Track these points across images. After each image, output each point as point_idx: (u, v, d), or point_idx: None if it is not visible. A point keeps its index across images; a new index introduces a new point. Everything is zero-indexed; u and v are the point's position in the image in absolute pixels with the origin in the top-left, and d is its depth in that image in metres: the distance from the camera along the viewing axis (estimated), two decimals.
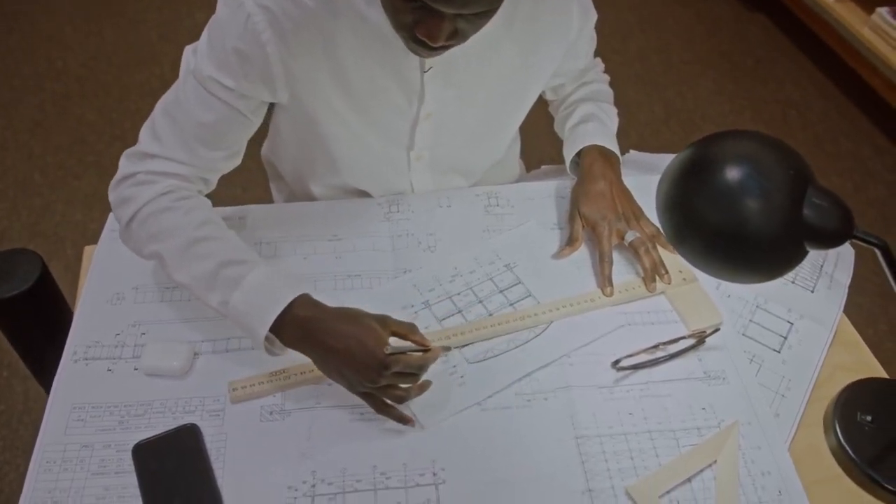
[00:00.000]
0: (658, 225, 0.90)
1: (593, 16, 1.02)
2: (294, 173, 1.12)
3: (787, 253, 0.67)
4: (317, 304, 0.81)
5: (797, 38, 2.73)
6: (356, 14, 0.84)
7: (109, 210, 0.91)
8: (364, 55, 0.88)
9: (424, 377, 0.81)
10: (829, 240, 0.67)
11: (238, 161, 0.95)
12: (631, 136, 2.35)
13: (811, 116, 2.46)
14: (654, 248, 0.97)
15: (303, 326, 0.78)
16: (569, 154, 1.08)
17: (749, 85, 2.56)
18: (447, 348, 0.87)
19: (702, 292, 0.96)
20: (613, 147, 1.06)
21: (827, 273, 1.02)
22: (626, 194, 1.01)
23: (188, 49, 0.89)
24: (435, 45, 0.75)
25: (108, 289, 0.94)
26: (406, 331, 0.80)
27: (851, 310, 0.98)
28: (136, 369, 0.86)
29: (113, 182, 0.89)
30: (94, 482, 0.76)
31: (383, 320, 0.80)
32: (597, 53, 1.15)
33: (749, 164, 0.67)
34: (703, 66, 2.63)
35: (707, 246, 0.68)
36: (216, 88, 0.85)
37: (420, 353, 0.79)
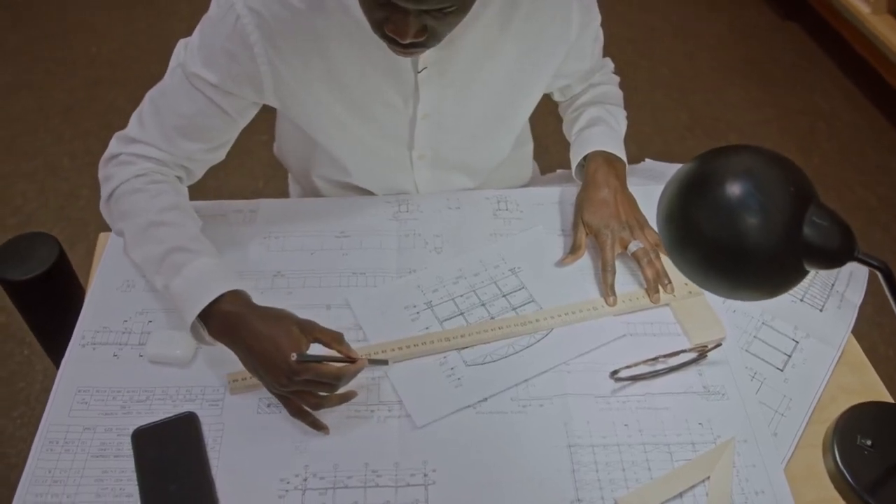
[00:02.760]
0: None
1: (596, 16, 1.01)
2: (300, 170, 1.13)
3: (785, 271, 0.67)
4: (245, 302, 0.82)
5: (829, 49, 2.68)
6: (346, 14, 0.85)
7: None
8: (356, 55, 0.88)
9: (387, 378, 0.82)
10: (829, 260, 0.66)
11: (222, 155, 0.98)
12: (655, 142, 2.33)
13: (839, 127, 2.41)
14: (658, 258, 0.96)
15: (226, 320, 0.80)
16: (574, 159, 1.07)
17: (778, 94, 2.52)
18: (383, 361, 0.86)
19: (707, 306, 0.95)
20: (619, 152, 1.05)
21: (838, 292, 1.00)
22: (630, 202, 1.01)
23: (181, 43, 0.92)
24: (403, 42, 0.75)
25: (119, 276, 0.96)
26: (329, 339, 0.80)
27: (873, 329, 0.96)
28: (141, 356, 0.88)
29: (101, 160, 0.94)
30: (93, 464, 0.79)
31: (307, 326, 0.80)
32: (611, 54, 1.14)
33: (749, 180, 0.66)
34: (731, 73, 2.59)
35: (704, 260, 0.68)
36: (201, 84, 0.88)
37: (339, 364, 0.78)
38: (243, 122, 0.96)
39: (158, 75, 0.96)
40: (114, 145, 0.93)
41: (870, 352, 0.94)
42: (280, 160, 1.23)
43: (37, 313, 1.11)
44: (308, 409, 0.81)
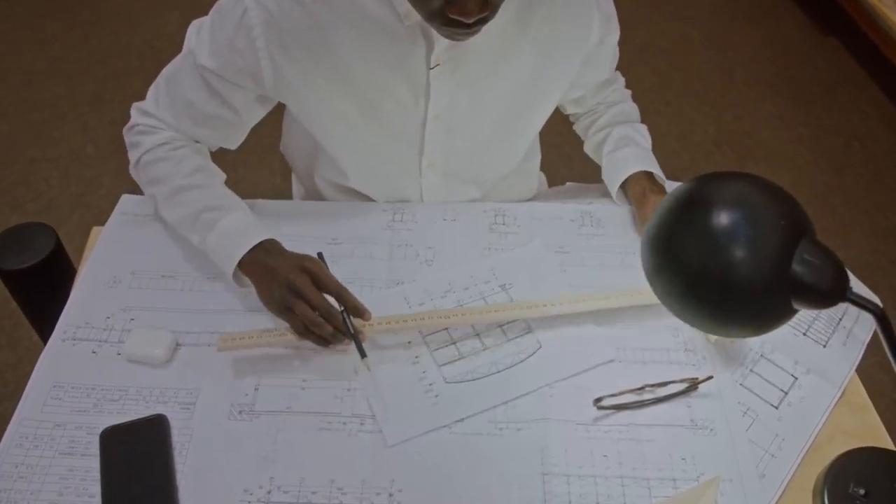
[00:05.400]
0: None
1: (616, 28, 0.99)
2: (304, 169, 1.13)
3: (771, 308, 0.63)
4: (276, 244, 0.90)
5: (870, 67, 2.58)
6: (357, 9, 0.85)
7: None
8: (367, 51, 0.88)
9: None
10: (819, 299, 0.62)
11: (233, 146, 1.02)
12: (681, 157, 2.28)
13: (875, 150, 2.32)
14: None
15: (258, 258, 0.88)
16: (613, 181, 1.05)
17: (812, 112, 2.44)
18: (362, 352, 0.83)
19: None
20: (657, 170, 1.04)
21: (845, 327, 0.95)
22: None
23: (194, 25, 0.94)
24: (470, 21, 0.74)
25: (106, 271, 0.96)
26: (338, 291, 0.85)
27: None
28: (119, 354, 0.87)
29: (125, 128, 1.02)
30: (60, 462, 0.78)
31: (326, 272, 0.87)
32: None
33: (738, 209, 0.62)
34: (765, 88, 2.52)
35: (685, 289, 0.64)
36: (208, 76, 0.91)
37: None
38: (249, 119, 0.98)
39: None
40: (134, 115, 1.00)
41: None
42: (286, 158, 1.22)
43: (32, 303, 1.11)
44: (310, 329, 0.83)
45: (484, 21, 0.76)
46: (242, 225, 0.91)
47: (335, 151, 1.01)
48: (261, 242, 0.89)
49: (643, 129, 1.12)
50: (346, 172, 1.03)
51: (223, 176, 0.98)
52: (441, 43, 0.87)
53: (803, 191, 2.19)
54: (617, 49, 1.05)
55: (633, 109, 1.14)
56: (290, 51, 0.87)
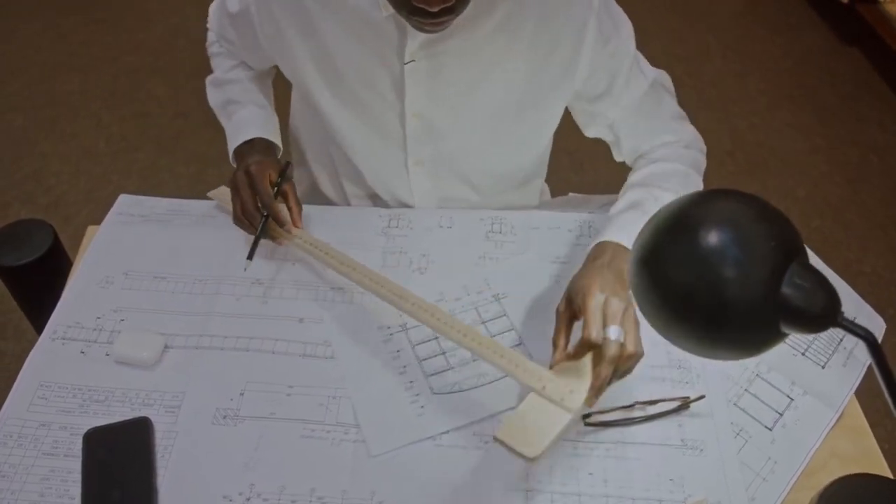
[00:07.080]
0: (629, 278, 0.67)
1: (624, 39, 0.92)
2: (322, 152, 1.13)
3: (758, 332, 0.61)
4: (263, 142, 1.03)
5: (890, 78, 2.53)
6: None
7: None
8: (349, 38, 0.91)
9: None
10: (809, 324, 0.60)
11: (264, 77, 1.14)
12: None
13: (892, 162, 2.28)
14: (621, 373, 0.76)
15: (243, 151, 1.02)
16: (592, 243, 0.90)
17: (829, 122, 2.40)
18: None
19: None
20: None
21: (845, 348, 0.93)
22: (620, 283, 0.80)
23: None
24: (433, 10, 0.73)
25: (99, 271, 0.96)
26: (265, 200, 0.95)
27: None
28: (107, 355, 0.87)
29: None
30: (42, 462, 0.78)
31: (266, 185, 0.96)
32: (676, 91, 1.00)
33: (728, 229, 0.61)
34: (781, 97, 2.48)
35: (671, 307, 0.63)
36: (232, 22, 1.03)
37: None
38: (266, 65, 1.10)
39: (201, 67, 1.16)
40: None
41: None
42: (297, 141, 1.19)
43: (30, 299, 1.12)
44: (245, 222, 0.95)
45: (450, 12, 0.75)
46: (248, 120, 1.04)
47: (335, 133, 1.02)
48: (253, 139, 1.02)
49: (667, 197, 0.88)
50: (355, 165, 1.05)
51: (250, 73, 1.10)
52: (415, 39, 0.87)
53: (817, 203, 2.15)
54: (640, 64, 0.95)
55: (675, 172, 0.95)
56: (279, 24, 0.93)
